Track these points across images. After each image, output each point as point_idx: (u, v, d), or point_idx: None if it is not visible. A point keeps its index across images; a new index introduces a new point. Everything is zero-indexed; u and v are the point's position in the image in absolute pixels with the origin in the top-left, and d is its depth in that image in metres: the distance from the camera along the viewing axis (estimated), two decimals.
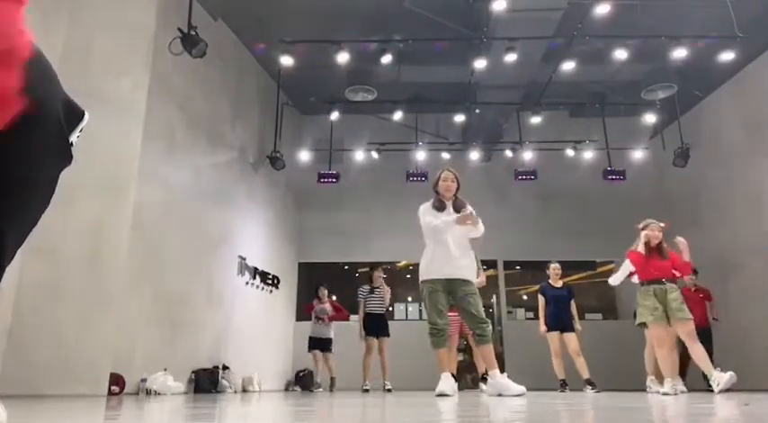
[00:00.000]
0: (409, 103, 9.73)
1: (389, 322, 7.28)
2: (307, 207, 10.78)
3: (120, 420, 2.06)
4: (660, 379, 5.10)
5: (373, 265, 7.54)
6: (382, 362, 6.96)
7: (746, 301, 8.35)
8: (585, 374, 6.48)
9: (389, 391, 6.74)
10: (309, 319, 7.96)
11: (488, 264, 10.43)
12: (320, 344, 7.70)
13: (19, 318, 5.06)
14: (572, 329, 6.72)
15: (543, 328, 6.78)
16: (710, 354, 7.15)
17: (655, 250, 4.89)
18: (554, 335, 6.74)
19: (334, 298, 8.30)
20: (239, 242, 8.10)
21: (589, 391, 6.25)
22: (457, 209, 4.42)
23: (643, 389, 6.08)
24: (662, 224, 4.98)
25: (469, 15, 7.82)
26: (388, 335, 7.07)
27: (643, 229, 4.96)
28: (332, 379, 7.72)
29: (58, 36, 5.65)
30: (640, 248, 4.86)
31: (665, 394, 4.41)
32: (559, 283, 7.01)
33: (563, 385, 6.66)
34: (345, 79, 8.84)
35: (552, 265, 7.08)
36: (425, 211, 4.45)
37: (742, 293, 8.45)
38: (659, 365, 4.84)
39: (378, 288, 7.21)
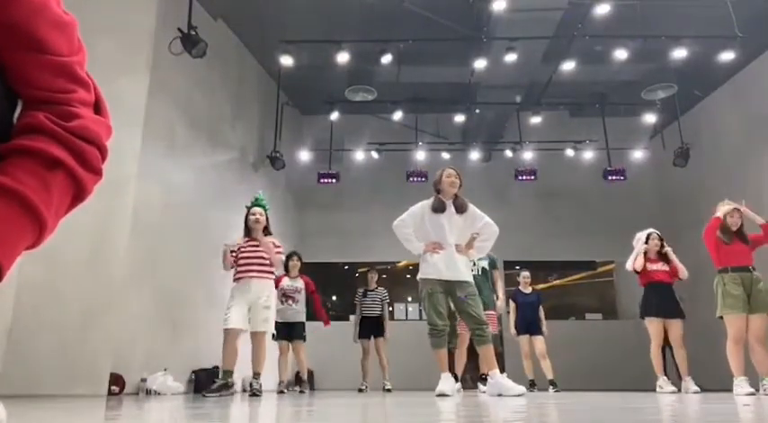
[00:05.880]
0: (409, 103, 9.72)
1: (390, 322, 7.25)
2: (307, 207, 10.78)
3: (120, 420, 2.06)
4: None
5: (369, 267, 7.53)
6: (381, 362, 6.99)
7: None
8: (550, 375, 6.95)
9: (389, 390, 6.74)
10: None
11: None
12: (288, 331, 6.09)
13: (19, 318, 5.06)
14: (540, 333, 7.18)
15: (513, 331, 7.31)
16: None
17: (735, 235, 4.70)
18: (524, 338, 7.26)
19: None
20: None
21: (551, 390, 6.72)
22: (458, 208, 4.38)
23: (644, 389, 6.07)
24: (740, 208, 4.76)
25: (469, 15, 7.81)
26: (383, 335, 7.05)
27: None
28: (306, 375, 6.52)
29: None
30: (719, 214, 4.64)
31: (749, 394, 4.16)
32: (529, 290, 7.52)
33: (531, 385, 7.13)
34: (345, 79, 8.83)
35: (523, 274, 7.63)
36: (415, 214, 4.40)
37: None
38: (731, 362, 4.56)
39: (372, 291, 7.21)
